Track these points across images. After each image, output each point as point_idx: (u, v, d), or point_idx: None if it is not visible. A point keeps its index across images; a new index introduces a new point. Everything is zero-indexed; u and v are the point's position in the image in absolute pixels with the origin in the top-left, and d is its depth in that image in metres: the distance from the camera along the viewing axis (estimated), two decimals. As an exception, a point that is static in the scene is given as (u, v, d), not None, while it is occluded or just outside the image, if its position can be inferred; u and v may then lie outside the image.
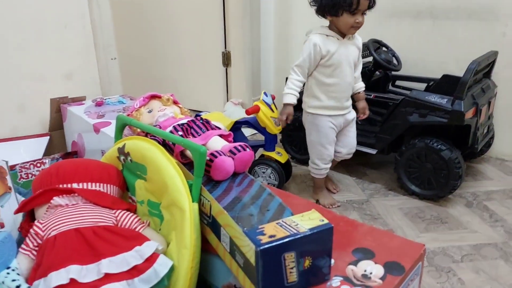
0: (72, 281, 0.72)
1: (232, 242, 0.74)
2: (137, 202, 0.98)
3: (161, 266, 0.80)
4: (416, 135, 1.61)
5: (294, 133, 1.95)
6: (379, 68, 1.91)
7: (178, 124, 1.05)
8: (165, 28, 2.71)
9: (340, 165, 1.97)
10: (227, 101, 2.72)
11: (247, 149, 0.95)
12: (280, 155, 1.66)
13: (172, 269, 0.83)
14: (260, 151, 1.70)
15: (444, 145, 1.52)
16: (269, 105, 1.57)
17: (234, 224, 0.73)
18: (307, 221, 0.72)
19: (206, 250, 0.88)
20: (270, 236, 0.67)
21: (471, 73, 1.45)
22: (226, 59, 2.67)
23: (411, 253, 0.81)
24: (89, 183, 0.90)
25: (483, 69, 1.67)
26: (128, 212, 0.90)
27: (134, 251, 0.80)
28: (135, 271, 0.78)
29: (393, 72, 2.06)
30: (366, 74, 1.92)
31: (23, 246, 0.81)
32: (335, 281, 0.74)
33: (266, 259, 0.66)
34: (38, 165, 1.30)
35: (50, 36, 1.58)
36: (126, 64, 2.00)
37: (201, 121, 1.08)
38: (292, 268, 0.69)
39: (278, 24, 2.51)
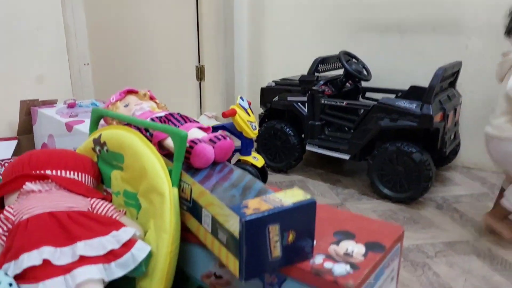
0: (46, 262, 0.69)
1: (215, 220, 0.73)
2: (112, 193, 0.95)
3: (139, 251, 0.77)
4: (387, 140, 1.66)
5: (269, 141, 1.97)
6: (350, 79, 1.98)
7: (156, 117, 1.04)
8: (139, 40, 2.70)
9: (314, 173, 1.99)
10: (201, 114, 2.72)
11: (227, 139, 0.95)
12: (256, 159, 1.65)
13: (150, 255, 0.80)
14: (237, 156, 1.70)
15: (415, 148, 1.57)
16: (245, 109, 1.58)
17: (217, 201, 0.72)
18: (290, 197, 0.72)
19: (184, 239, 0.86)
20: (255, 209, 0.67)
21: (439, 79, 1.53)
22: (200, 73, 2.69)
23: (390, 234, 0.83)
24: (63, 171, 0.87)
25: (449, 77, 1.76)
26: (104, 201, 0.87)
27: (111, 236, 0.77)
28: (111, 256, 0.75)
29: (363, 84, 2.14)
30: (337, 85, 1.98)
31: (-9, 231, 0.76)
32: (318, 258, 0.73)
33: (251, 231, 0.65)
34: (6, 164, 1.24)
35: (21, 38, 1.55)
36: (99, 71, 1.98)
37: (179, 114, 1.07)
38: (276, 242, 0.68)
39: (252, 38, 2.57)
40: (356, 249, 0.77)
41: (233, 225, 0.66)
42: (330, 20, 2.34)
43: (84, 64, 1.71)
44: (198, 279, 0.91)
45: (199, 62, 2.65)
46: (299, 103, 1.86)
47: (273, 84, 2.00)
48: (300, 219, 0.70)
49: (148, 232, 0.84)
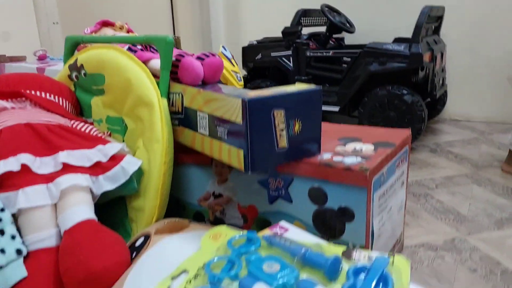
0: (24, 168, 0.61)
1: (212, 118, 0.66)
2: (94, 121, 0.87)
3: (129, 164, 0.70)
4: (377, 85, 1.63)
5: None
6: (334, 32, 1.93)
7: (134, 45, 0.96)
8: (111, 7, 2.59)
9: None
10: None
11: (217, 56, 0.88)
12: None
13: (142, 173, 0.73)
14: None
15: (406, 89, 1.54)
16: (229, 59, 1.52)
17: (214, 94, 0.65)
18: (294, 87, 0.66)
19: (177, 162, 0.79)
20: (257, 94, 0.61)
21: (425, 16, 1.50)
22: (176, 45, 2.60)
23: (398, 135, 0.78)
24: (38, 91, 0.78)
25: (434, 21, 1.74)
26: (85, 123, 0.79)
27: (96, 150, 0.69)
28: (99, 169, 0.67)
29: (346, 41, 2.10)
30: (321, 40, 1.94)
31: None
32: (326, 155, 0.68)
33: (254, 113, 0.59)
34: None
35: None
36: (69, 30, 1.88)
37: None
38: (282, 130, 0.62)
39: (227, 4, 2.50)
40: (365, 147, 0.72)
41: (235, 111, 0.60)
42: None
43: (54, 23, 1.61)
44: (195, 204, 0.84)
45: (174, 33, 2.56)
46: (283, 58, 1.80)
47: (255, 42, 1.94)
48: (306, 107, 0.64)
49: (137, 152, 0.76)
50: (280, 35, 1.88)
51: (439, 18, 1.80)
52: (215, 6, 2.47)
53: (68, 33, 1.82)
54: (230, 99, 0.60)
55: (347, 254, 0.51)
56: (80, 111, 0.89)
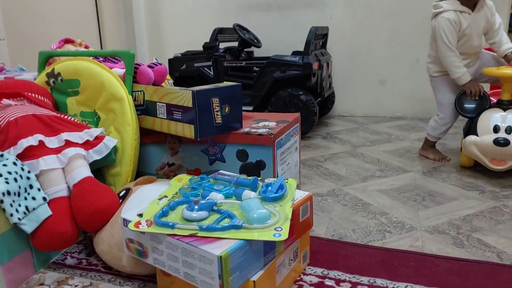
0: (41, 143, 0.87)
1: (169, 107, 0.98)
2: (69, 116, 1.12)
3: (109, 141, 0.99)
4: (280, 89, 2.05)
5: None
6: (245, 46, 2.33)
7: (96, 57, 1.24)
8: (44, 25, 2.68)
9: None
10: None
11: (162, 65, 1.20)
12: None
13: (116, 149, 1.02)
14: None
15: (301, 91, 1.98)
16: (161, 69, 1.82)
17: (170, 89, 0.98)
18: (224, 84, 1.02)
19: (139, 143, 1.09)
20: (201, 88, 0.95)
21: (312, 34, 1.97)
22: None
23: (291, 116, 1.17)
24: (31, 93, 1.03)
25: (320, 38, 2.23)
26: (69, 115, 1.05)
27: (84, 132, 0.97)
28: (88, 145, 0.95)
29: (255, 54, 2.52)
30: (235, 53, 2.33)
31: (-21, 135, 0.90)
32: (246, 129, 1.04)
33: (200, 99, 0.93)
34: None
35: None
36: (14, 45, 1.99)
37: (115, 58, 1.28)
38: (218, 111, 0.97)
39: (150, 21, 2.78)
40: (270, 123, 1.10)
41: (187, 99, 0.93)
42: (221, 2, 2.68)
43: (0, 39, 1.75)
44: (153, 174, 1.14)
45: (101, 47, 2.75)
46: (205, 68, 2.15)
47: (179, 54, 2.26)
48: (232, 96, 1.00)
49: (110, 135, 1.05)
50: (199, 48, 2.23)
51: (325, 35, 2.30)
52: (138, 25, 2.73)
53: (13, 49, 1.97)
54: (184, 91, 0.93)
55: (261, 180, 0.87)
56: (57, 108, 1.14)
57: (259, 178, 0.86)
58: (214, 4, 2.69)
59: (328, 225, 1.11)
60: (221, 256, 0.61)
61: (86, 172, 0.89)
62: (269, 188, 0.81)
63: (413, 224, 1.10)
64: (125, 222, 0.74)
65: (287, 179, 0.86)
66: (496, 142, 1.33)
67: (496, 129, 1.37)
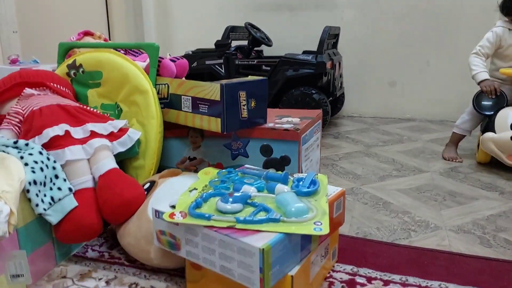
0: (67, 133, 0.85)
1: (195, 100, 0.97)
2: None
3: (133, 134, 0.97)
4: (292, 88, 2.04)
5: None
6: (256, 45, 2.32)
7: (117, 50, 1.22)
8: (58, 21, 2.67)
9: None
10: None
11: (184, 59, 1.18)
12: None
13: (140, 141, 1.00)
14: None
15: (314, 90, 1.97)
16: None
17: (197, 82, 0.96)
18: (250, 77, 1.00)
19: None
20: (229, 82, 0.93)
21: (326, 34, 1.96)
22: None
23: (314, 112, 1.16)
24: (53, 83, 1.01)
25: (332, 37, 2.22)
26: (90, 107, 1.04)
27: (108, 123, 0.95)
28: (113, 137, 0.94)
29: (264, 53, 2.51)
30: (246, 51, 2.31)
31: (4, 124, 0.88)
32: (270, 124, 1.03)
33: (228, 93, 0.91)
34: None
35: None
36: (26, 38, 1.97)
37: (133, 50, 1.27)
38: (244, 105, 0.96)
39: (159, 20, 2.77)
40: (294, 119, 1.09)
41: (214, 93, 0.92)
42: (232, 1, 2.67)
43: (13, 32, 1.73)
44: (174, 167, 1.12)
45: (109, 44, 2.74)
46: (216, 66, 2.13)
47: (190, 52, 2.24)
48: (258, 91, 0.99)
49: (132, 128, 1.03)
50: (209, 46, 2.21)
51: (336, 36, 2.29)
52: (148, 21, 2.71)
53: (26, 41, 1.96)
54: (212, 85, 0.92)
55: (291, 175, 0.86)
56: (77, 100, 1.12)
57: (288, 173, 0.85)
58: (224, 4, 2.68)
59: (351, 223, 1.09)
60: (263, 249, 0.60)
61: (112, 164, 0.87)
62: (301, 182, 0.80)
63: (437, 223, 1.09)
64: (158, 213, 0.72)
65: (317, 174, 0.85)
66: None
67: None
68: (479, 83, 1.56)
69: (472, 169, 1.53)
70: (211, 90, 0.92)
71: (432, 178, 1.44)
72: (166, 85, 1.04)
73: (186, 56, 2.22)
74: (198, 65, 2.18)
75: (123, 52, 1.16)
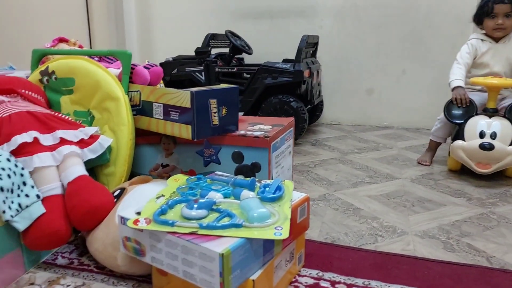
0: (36, 140, 0.86)
1: (166, 107, 0.98)
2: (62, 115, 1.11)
3: (104, 141, 0.98)
4: (271, 95, 2.06)
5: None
6: (237, 53, 2.35)
7: (91, 57, 1.23)
8: (31, 28, 2.65)
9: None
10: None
11: (158, 66, 1.20)
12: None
13: (111, 148, 1.01)
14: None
15: (292, 98, 2.00)
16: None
17: (168, 89, 0.98)
18: (222, 85, 1.02)
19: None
20: (199, 89, 0.95)
21: (304, 42, 1.99)
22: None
23: (286, 120, 1.18)
24: (25, 90, 1.01)
25: (311, 46, 2.26)
26: (62, 114, 1.04)
27: (79, 130, 0.96)
28: (83, 144, 0.94)
29: (245, 61, 2.53)
30: (226, 59, 2.34)
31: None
32: (241, 131, 1.05)
33: (198, 100, 0.93)
34: None
35: None
36: (2, 45, 1.95)
37: (108, 58, 1.28)
38: (215, 113, 0.97)
39: (140, 25, 2.77)
40: (265, 127, 1.11)
41: (185, 100, 0.93)
42: (213, 8, 2.70)
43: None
44: (146, 174, 1.13)
45: (90, 49, 2.73)
46: (196, 73, 2.15)
47: (171, 59, 2.26)
48: (229, 98, 1.01)
49: (104, 135, 1.04)
50: (190, 53, 2.23)
51: (315, 44, 2.33)
52: (129, 28, 2.72)
53: (2, 47, 1.93)
54: (182, 92, 0.93)
55: (258, 181, 0.88)
56: (50, 107, 1.12)
57: (256, 179, 0.87)
58: (206, 11, 2.71)
59: (321, 228, 1.11)
60: (222, 254, 0.61)
61: (81, 170, 0.88)
62: (267, 188, 0.82)
63: (404, 228, 1.12)
64: (123, 220, 0.73)
65: (284, 180, 0.87)
66: (482, 146, 1.41)
67: (481, 134, 1.45)
68: (452, 90, 1.62)
69: (443, 176, 1.57)
70: (182, 97, 0.94)
71: (403, 184, 1.48)
72: (138, 92, 1.05)
73: (166, 63, 2.23)
74: (179, 72, 2.19)
75: (97, 59, 1.17)
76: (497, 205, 1.30)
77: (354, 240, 1.05)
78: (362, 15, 2.46)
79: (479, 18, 1.64)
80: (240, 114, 2.13)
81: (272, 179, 1.04)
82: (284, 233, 0.66)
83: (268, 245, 0.71)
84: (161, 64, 2.25)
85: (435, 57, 2.38)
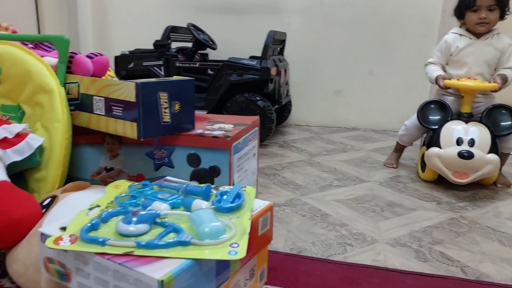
0: None
1: (108, 101, 0.85)
2: (-13, 110, 0.95)
3: (33, 140, 0.84)
4: (236, 93, 1.95)
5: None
6: (200, 48, 2.21)
7: (24, 43, 1.07)
8: None
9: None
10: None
11: (104, 55, 1.06)
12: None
13: (43, 149, 0.86)
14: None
15: (259, 97, 1.90)
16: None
17: (110, 81, 0.84)
18: (174, 78, 0.90)
19: (71, 143, 0.94)
20: (146, 81, 0.82)
21: (271, 38, 1.89)
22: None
23: (250, 119, 1.07)
24: None
25: (278, 43, 2.16)
26: (-17, 109, 0.88)
27: (2, 128, 0.81)
28: (6, 144, 0.79)
29: (209, 57, 2.41)
30: (188, 54, 2.20)
31: None
32: (198, 130, 0.92)
33: (145, 93, 0.80)
34: None
35: None
36: None
37: (46, 45, 1.12)
38: (166, 108, 0.85)
39: (96, 15, 2.59)
40: (227, 126, 0.99)
41: (129, 93, 0.80)
42: (176, 2, 2.56)
43: None
44: (88, 179, 0.99)
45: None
46: (155, 67, 2.00)
47: (127, 52, 2.09)
48: (183, 92, 0.88)
49: (36, 133, 0.89)
50: (150, 46, 2.08)
51: (283, 42, 2.24)
52: (83, 19, 2.53)
53: None
54: (126, 83, 0.80)
55: (215, 188, 0.76)
56: (-30, 101, 0.96)
57: (212, 186, 0.75)
58: (168, 5, 2.56)
59: (286, 237, 1.01)
60: (162, 281, 0.49)
61: (2, 176, 0.73)
62: (224, 197, 0.70)
63: (374, 236, 1.03)
64: (43, 237, 0.59)
65: (245, 187, 0.76)
66: (461, 155, 1.30)
67: (459, 141, 1.35)
68: (436, 81, 1.48)
69: (411, 179, 1.51)
70: (126, 90, 0.81)
71: (372, 188, 1.40)
72: (77, 84, 0.91)
73: (122, 56, 2.07)
74: (135, 67, 2.03)
75: (31, 46, 1.02)
76: (467, 209, 1.24)
77: (322, 250, 0.95)
78: (330, 13, 2.40)
79: (460, 11, 1.50)
80: (204, 112, 2.01)
81: (233, 184, 0.92)
82: (241, 252, 0.55)
83: (222, 266, 0.60)
84: (116, 58, 2.09)
85: (402, 58, 2.35)
